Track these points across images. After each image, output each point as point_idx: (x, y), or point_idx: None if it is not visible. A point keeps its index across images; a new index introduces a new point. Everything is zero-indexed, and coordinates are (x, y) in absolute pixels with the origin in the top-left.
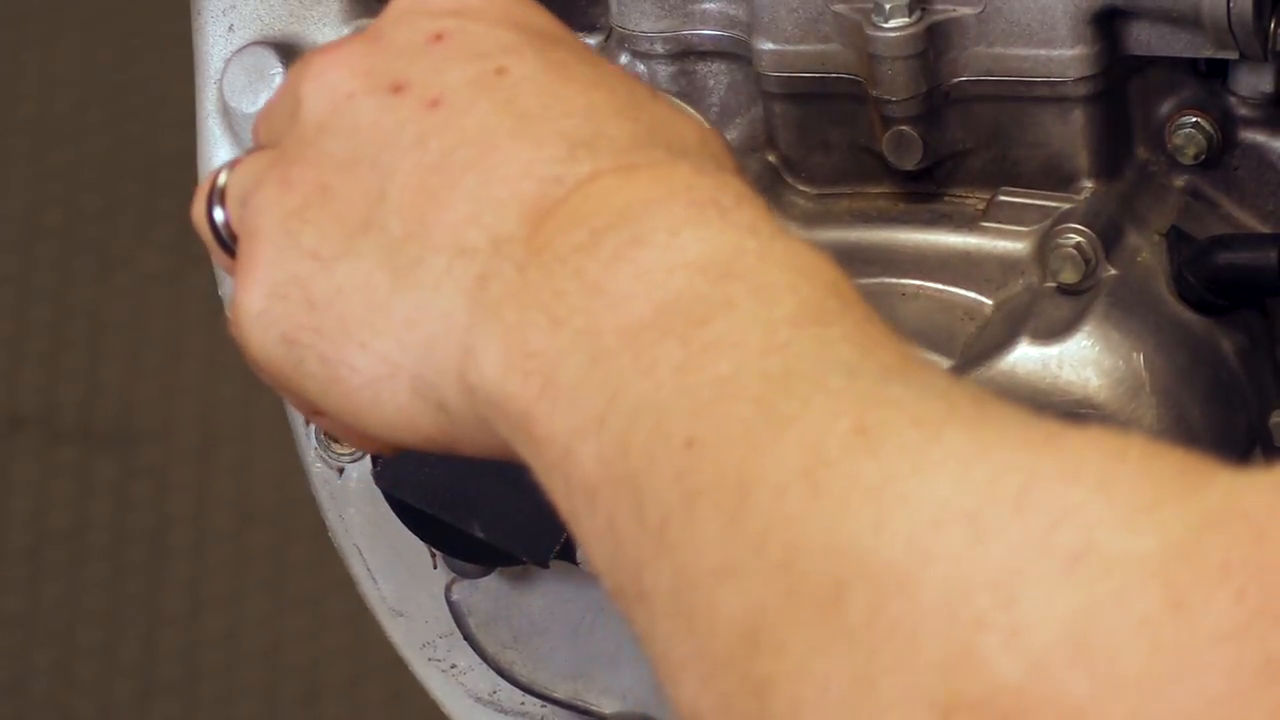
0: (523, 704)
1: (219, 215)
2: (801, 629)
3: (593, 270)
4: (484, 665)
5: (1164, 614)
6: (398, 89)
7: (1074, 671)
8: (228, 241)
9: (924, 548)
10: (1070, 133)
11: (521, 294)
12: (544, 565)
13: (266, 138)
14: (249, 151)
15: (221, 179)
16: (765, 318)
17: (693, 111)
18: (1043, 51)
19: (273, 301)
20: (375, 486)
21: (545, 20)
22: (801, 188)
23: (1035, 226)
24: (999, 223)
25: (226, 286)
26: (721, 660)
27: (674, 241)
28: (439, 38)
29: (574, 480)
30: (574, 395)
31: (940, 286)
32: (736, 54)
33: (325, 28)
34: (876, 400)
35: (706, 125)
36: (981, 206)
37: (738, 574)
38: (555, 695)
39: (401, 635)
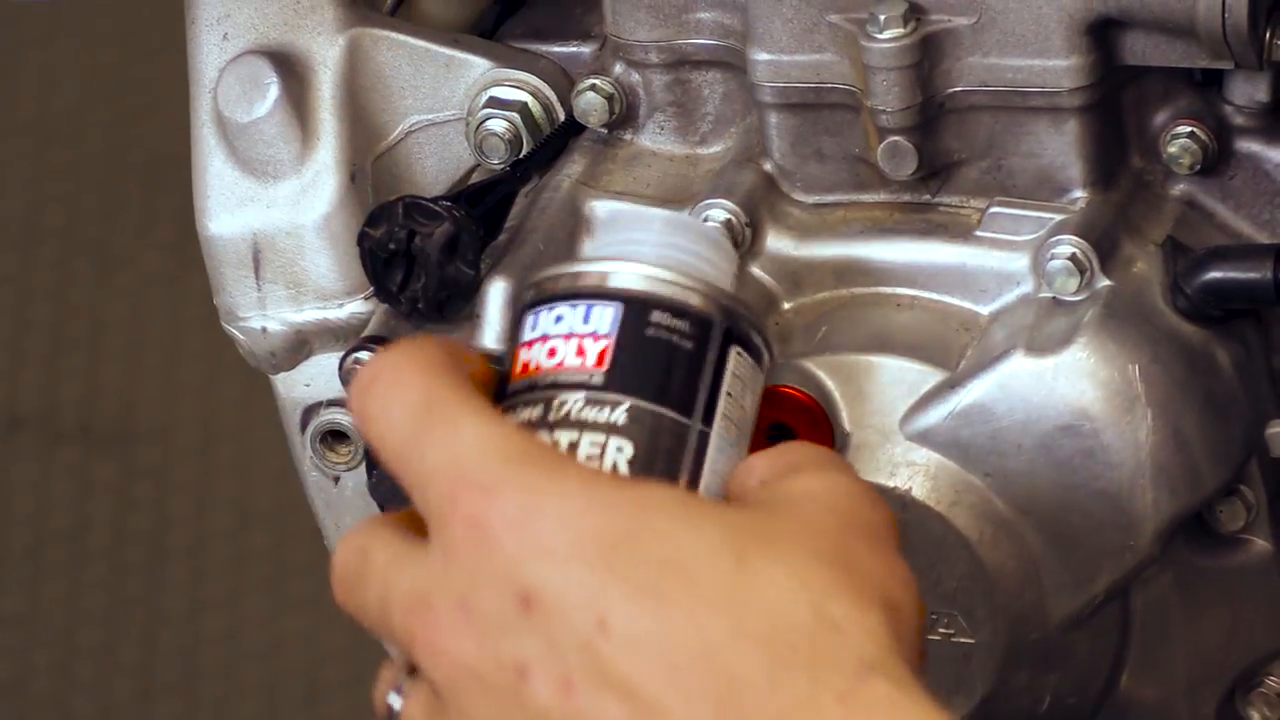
0: None
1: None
2: None
3: None
4: None
5: None
6: (521, 674)
7: None
8: None
9: None
10: (1065, 143)
11: None
12: None
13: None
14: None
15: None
16: None
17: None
18: (1037, 62)
19: None
20: (370, 496)
21: (611, 519)
22: (797, 197)
23: (1030, 237)
24: (994, 233)
25: (223, 296)
26: None
27: None
28: (528, 601)
29: None
30: None
31: (935, 297)
32: (731, 63)
33: (319, 37)
34: None
35: (839, 612)
36: (977, 217)
37: None
38: None
39: None
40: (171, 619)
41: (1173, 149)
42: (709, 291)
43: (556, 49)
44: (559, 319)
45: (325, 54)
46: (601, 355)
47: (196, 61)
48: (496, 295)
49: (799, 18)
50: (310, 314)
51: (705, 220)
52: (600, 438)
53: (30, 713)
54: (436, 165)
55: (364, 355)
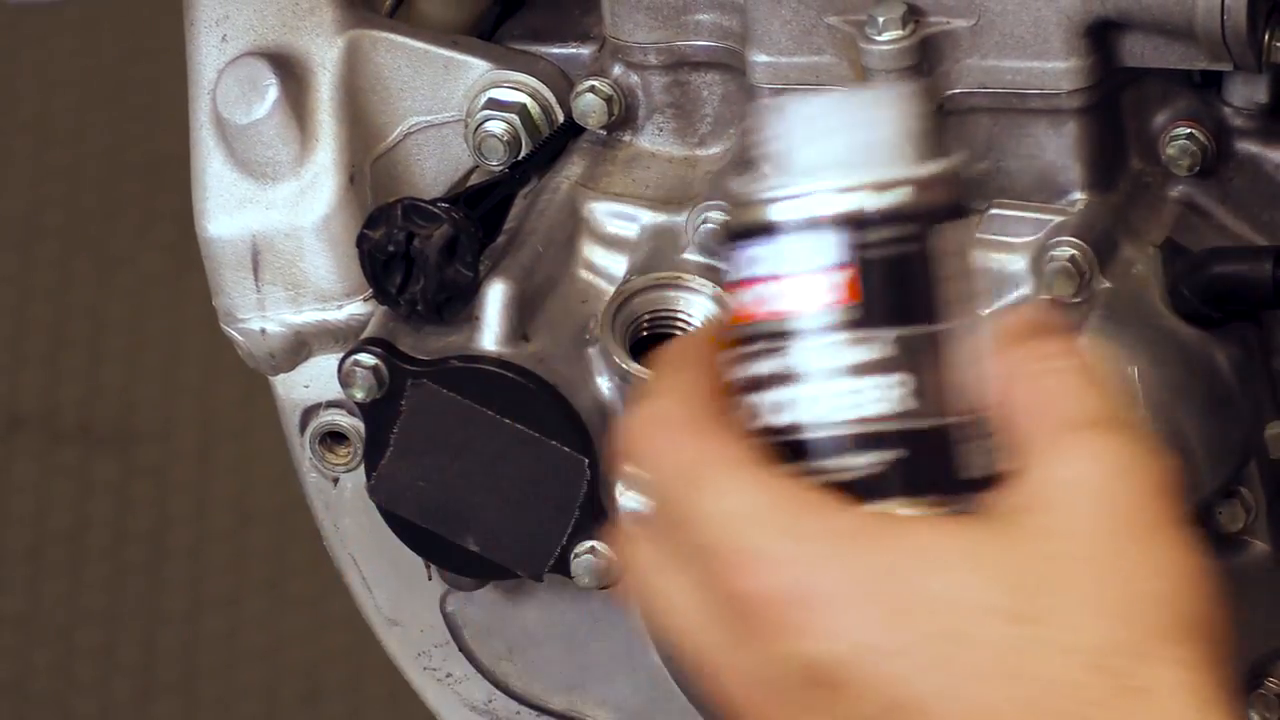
0: (518, 714)
1: None
2: None
3: None
4: (479, 674)
5: None
6: None
7: None
8: None
9: None
10: (1064, 145)
11: None
12: (538, 579)
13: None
14: None
15: None
16: None
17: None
18: (1036, 64)
19: None
20: (370, 498)
21: (884, 586)
22: None
23: (1029, 239)
24: (993, 235)
25: (222, 297)
26: None
27: None
28: (823, 682)
29: None
30: None
31: None
32: (730, 65)
33: (318, 38)
34: None
35: (1139, 673)
36: (975, 219)
37: None
38: (551, 706)
39: (397, 644)
40: (171, 619)
41: (1172, 151)
42: (916, 179)
43: (555, 50)
44: (776, 254)
45: (324, 55)
46: (844, 289)
47: (195, 63)
48: (495, 297)
49: (798, 19)
50: (309, 315)
51: (704, 223)
52: (873, 379)
53: (30, 713)
54: (435, 167)
55: (363, 357)
